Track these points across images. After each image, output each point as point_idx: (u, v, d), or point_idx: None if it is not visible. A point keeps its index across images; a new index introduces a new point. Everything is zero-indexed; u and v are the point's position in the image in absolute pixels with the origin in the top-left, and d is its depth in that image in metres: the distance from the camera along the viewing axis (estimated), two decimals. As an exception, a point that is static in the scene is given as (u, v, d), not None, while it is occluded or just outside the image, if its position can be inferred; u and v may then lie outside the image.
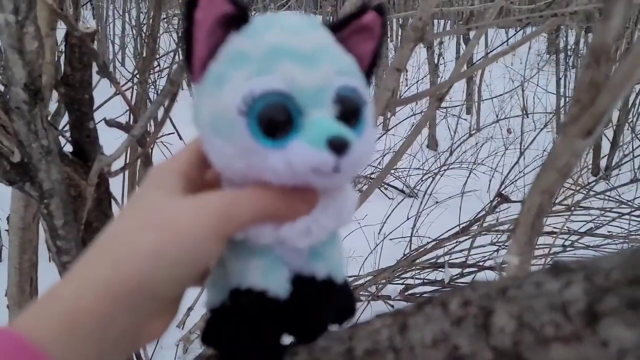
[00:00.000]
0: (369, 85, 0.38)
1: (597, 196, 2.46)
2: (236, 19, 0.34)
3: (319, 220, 0.35)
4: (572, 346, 0.26)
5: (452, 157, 3.42)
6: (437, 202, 3.04)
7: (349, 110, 0.34)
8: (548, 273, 0.28)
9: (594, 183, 2.65)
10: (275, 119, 0.32)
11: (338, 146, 0.32)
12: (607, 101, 0.36)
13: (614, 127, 3.44)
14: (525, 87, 4.47)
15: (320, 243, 0.36)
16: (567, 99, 3.87)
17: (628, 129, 3.58)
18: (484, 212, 2.21)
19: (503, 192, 2.35)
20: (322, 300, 0.36)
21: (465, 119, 4.65)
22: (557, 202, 2.26)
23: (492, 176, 3.12)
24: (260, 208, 0.33)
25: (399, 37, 5.77)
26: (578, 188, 2.40)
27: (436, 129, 4.48)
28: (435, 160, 3.57)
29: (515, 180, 2.71)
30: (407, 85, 5.31)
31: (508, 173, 2.44)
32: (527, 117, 4.10)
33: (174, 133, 1.93)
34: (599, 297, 0.25)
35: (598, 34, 0.37)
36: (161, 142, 2.04)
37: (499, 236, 2.24)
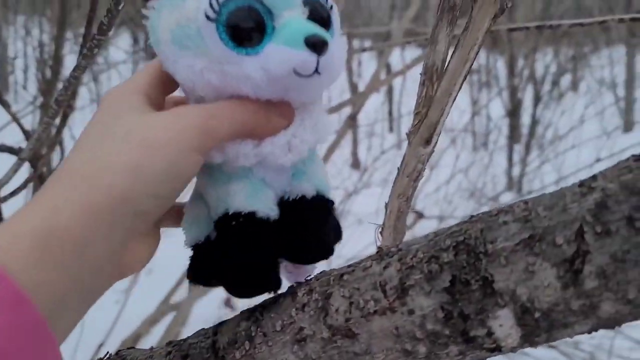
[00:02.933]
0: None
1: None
2: None
3: (299, 134, 0.34)
4: (387, 317, 0.30)
5: (374, 175, 3.53)
6: (359, 221, 3.12)
7: (319, 14, 0.33)
8: (374, 258, 0.33)
9: (499, 195, 2.82)
10: (246, 24, 0.31)
11: (317, 44, 0.30)
12: (437, 114, 0.42)
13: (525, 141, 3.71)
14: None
15: (301, 161, 0.35)
16: (478, 115, 4.12)
17: (535, 144, 3.85)
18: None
19: (417, 208, 2.46)
20: (319, 217, 0.36)
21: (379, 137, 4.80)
22: (463, 216, 2.39)
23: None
24: (240, 120, 0.32)
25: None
26: (485, 200, 2.56)
27: (359, 147, 4.61)
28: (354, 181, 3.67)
29: (429, 196, 2.84)
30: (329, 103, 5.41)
31: (417, 189, 2.55)
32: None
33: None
34: (407, 273, 0.30)
35: (428, 56, 0.43)
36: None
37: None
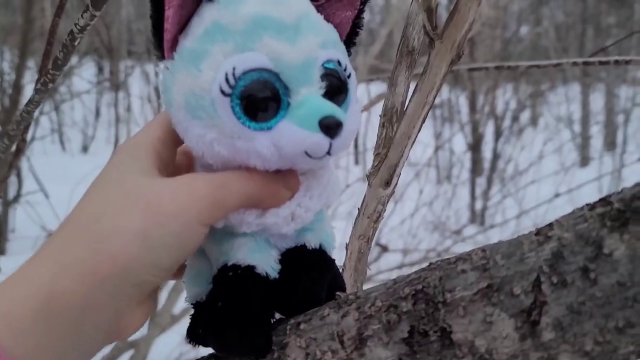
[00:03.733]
0: (349, 55, 0.35)
1: (468, 241, 2.65)
2: None
3: (303, 204, 0.34)
4: (344, 369, 0.29)
5: (339, 208, 3.52)
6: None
7: (336, 86, 0.32)
8: (332, 306, 0.32)
9: (463, 228, 2.85)
10: (261, 99, 0.30)
11: (331, 127, 0.30)
12: (396, 155, 0.42)
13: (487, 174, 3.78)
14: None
15: (308, 223, 0.35)
16: (441, 150, 4.20)
17: (497, 177, 3.93)
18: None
19: (382, 242, 2.47)
20: (315, 268, 0.34)
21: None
22: (427, 249, 2.40)
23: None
24: (247, 193, 0.31)
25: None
26: (448, 233, 2.58)
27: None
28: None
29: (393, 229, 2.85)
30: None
31: (381, 222, 2.56)
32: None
33: (39, 191, 1.83)
34: (365, 323, 0.30)
35: (388, 98, 0.43)
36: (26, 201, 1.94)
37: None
